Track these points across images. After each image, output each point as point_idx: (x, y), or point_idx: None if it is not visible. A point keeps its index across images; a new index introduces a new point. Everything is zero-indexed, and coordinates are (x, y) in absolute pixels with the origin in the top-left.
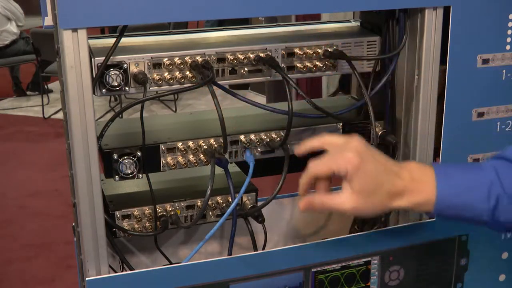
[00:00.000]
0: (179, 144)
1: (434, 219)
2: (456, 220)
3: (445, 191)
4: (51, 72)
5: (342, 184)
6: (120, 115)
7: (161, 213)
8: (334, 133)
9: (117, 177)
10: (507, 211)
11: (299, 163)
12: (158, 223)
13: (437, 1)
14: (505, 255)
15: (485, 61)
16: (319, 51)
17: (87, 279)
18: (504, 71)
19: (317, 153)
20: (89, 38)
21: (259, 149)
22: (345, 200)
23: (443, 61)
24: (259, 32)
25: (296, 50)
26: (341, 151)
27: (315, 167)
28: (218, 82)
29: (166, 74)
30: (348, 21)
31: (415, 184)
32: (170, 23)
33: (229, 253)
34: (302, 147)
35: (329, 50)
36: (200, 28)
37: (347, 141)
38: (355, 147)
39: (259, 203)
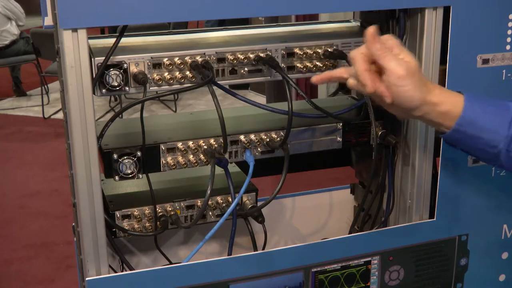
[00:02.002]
0: (179, 144)
1: (446, 133)
2: (469, 147)
3: (472, 106)
4: (51, 72)
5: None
6: (120, 115)
7: (161, 213)
8: None
9: (117, 177)
10: None
11: (299, 163)
12: (158, 223)
13: (437, 1)
14: (505, 255)
15: (485, 61)
16: (319, 51)
17: (87, 279)
18: (504, 71)
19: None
20: (89, 38)
21: (259, 149)
22: (396, 65)
23: (443, 61)
24: (259, 32)
25: (296, 50)
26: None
27: (361, 49)
28: (218, 82)
29: (166, 74)
30: (348, 21)
31: (445, 91)
32: (170, 23)
33: (229, 253)
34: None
35: (329, 50)
36: (200, 28)
37: None
38: None
39: (259, 203)
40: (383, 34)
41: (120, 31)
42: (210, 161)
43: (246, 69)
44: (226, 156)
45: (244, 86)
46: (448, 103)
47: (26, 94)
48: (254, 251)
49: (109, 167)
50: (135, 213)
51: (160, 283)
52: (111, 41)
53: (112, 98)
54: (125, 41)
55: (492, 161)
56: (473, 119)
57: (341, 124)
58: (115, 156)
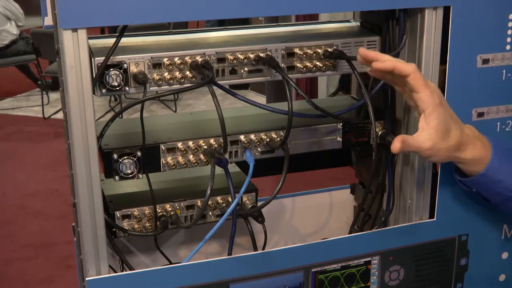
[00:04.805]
0: (179, 144)
1: (472, 177)
2: (486, 190)
3: (498, 153)
4: (51, 72)
5: (419, 124)
6: (120, 115)
7: (161, 213)
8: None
9: (117, 177)
10: None
11: (299, 163)
12: (158, 223)
13: (437, 1)
14: (505, 255)
15: (485, 61)
16: (319, 51)
17: (87, 279)
18: (504, 71)
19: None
20: (89, 38)
21: (259, 149)
22: (424, 139)
23: (443, 61)
24: (259, 32)
25: (296, 50)
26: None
27: (409, 65)
28: (218, 82)
29: (166, 74)
30: (348, 21)
31: (478, 141)
32: (170, 23)
33: (229, 253)
34: (371, 54)
35: (329, 50)
36: (200, 28)
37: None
38: (437, 87)
39: (259, 203)
40: (383, 34)
41: (120, 31)
42: (210, 161)
43: (246, 69)
44: (226, 156)
45: (244, 86)
46: (474, 159)
47: (57, 88)
48: (254, 251)
49: (109, 167)
50: (135, 213)
51: (160, 283)
52: (111, 41)
53: (112, 98)
54: (125, 41)
55: (503, 204)
56: (499, 166)
57: (341, 124)
58: (115, 156)
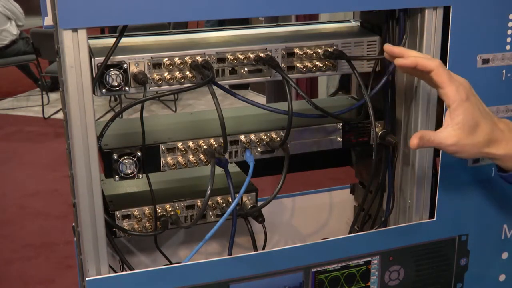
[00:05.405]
0: (179, 144)
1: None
2: None
3: None
4: (51, 72)
5: (444, 120)
6: (120, 115)
7: (161, 213)
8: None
9: (117, 177)
10: None
11: (299, 163)
12: (158, 223)
13: (437, 1)
14: (505, 255)
15: (485, 61)
16: (319, 51)
17: (87, 279)
18: (504, 71)
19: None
20: (89, 38)
21: (259, 149)
22: (447, 135)
23: (443, 61)
24: (259, 32)
25: (296, 50)
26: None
27: (432, 61)
28: (218, 82)
29: (166, 74)
30: (348, 21)
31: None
32: (170, 23)
33: (229, 253)
34: (395, 49)
35: (329, 50)
36: (200, 28)
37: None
38: (465, 81)
39: (259, 203)
40: (383, 34)
41: (120, 31)
42: (210, 161)
43: (246, 69)
44: (226, 156)
45: (244, 86)
46: (508, 154)
47: (57, 88)
48: (254, 251)
49: (109, 167)
50: (135, 213)
51: (160, 283)
52: (111, 41)
53: (112, 98)
54: (125, 41)
55: None
56: None
57: (341, 124)
58: (115, 156)
